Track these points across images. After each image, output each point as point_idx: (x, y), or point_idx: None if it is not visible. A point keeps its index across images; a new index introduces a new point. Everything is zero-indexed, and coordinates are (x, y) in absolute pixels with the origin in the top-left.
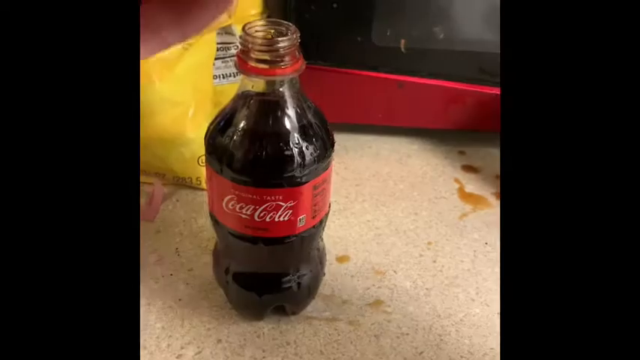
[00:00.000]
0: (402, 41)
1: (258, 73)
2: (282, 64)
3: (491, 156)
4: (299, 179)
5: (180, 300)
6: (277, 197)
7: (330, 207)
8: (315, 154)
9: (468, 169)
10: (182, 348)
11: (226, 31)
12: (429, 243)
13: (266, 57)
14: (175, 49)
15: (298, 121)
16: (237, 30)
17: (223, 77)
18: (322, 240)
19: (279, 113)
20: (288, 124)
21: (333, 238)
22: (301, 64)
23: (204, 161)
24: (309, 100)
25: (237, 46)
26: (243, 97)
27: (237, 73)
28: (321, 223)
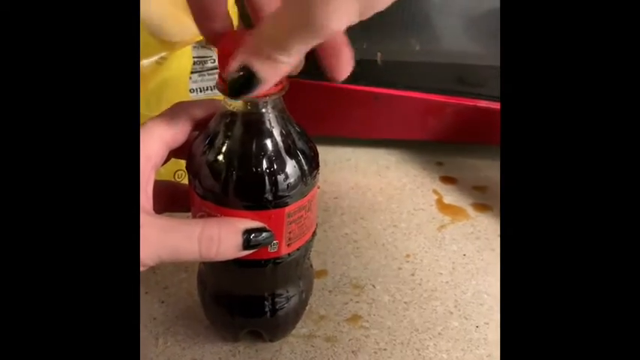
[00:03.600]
0: (379, 54)
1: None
2: None
3: (469, 167)
4: (268, 204)
5: (154, 319)
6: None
7: (314, 234)
8: (288, 181)
9: (446, 180)
10: None
11: (202, 45)
12: (408, 255)
13: None
14: (149, 64)
15: (276, 145)
16: None
17: (200, 90)
18: (311, 268)
19: (257, 135)
20: (263, 147)
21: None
22: (284, 84)
23: (180, 175)
24: (296, 122)
25: (214, 60)
26: (223, 116)
27: (214, 86)
28: (300, 251)
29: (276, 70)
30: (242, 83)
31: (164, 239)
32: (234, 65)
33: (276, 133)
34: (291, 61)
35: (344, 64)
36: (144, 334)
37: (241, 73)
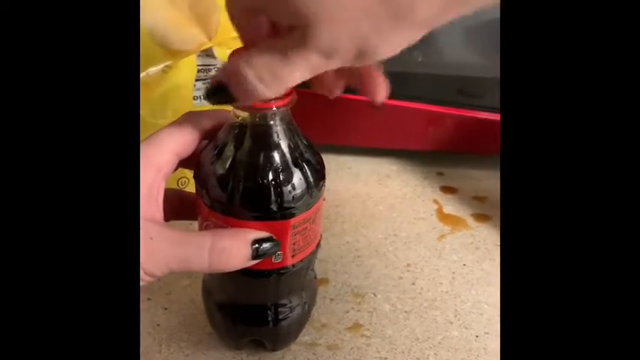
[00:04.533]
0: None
1: (245, 106)
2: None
3: (469, 177)
4: (274, 215)
5: (158, 325)
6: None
7: (318, 246)
8: (294, 193)
9: (447, 189)
10: None
11: (207, 53)
12: (408, 265)
13: None
14: (155, 72)
15: (283, 157)
16: (218, 53)
17: (204, 98)
18: (315, 279)
19: (264, 146)
20: (270, 158)
21: None
22: (292, 97)
23: (184, 183)
24: (303, 135)
25: (218, 69)
26: (232, 127)
27: None
28: (303, 262)
29: (249, 94)
30: (215, 94)
31: (175, 251)
32: (216, 75)
33: (283, 145)
34: (266, 92)
35: (379, 88)
36: (147, 340)
37: (217, 85)
